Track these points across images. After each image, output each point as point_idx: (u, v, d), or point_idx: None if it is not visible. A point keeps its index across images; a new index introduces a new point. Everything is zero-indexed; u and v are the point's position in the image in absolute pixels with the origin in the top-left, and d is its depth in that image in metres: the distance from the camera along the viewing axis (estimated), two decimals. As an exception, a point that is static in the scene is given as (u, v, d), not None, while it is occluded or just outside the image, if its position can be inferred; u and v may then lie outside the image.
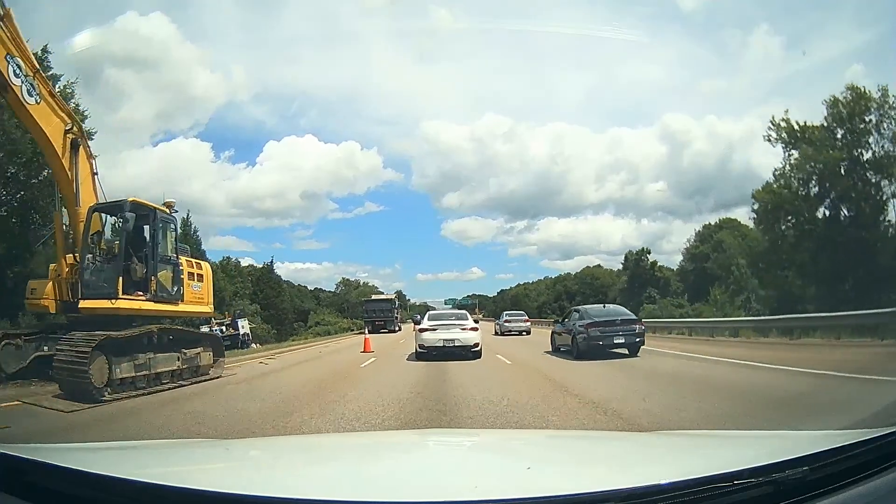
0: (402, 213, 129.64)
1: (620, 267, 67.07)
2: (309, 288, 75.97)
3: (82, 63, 55.03)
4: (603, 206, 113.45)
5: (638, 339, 13.73)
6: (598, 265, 76.29)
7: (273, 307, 50.79)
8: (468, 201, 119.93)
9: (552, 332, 17.29)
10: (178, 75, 79.80)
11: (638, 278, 52.72)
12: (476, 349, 14.33)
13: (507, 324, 29.13)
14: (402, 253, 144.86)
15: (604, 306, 16.38)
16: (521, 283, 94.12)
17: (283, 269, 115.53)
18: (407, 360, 14.76)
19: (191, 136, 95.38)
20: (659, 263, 55.29)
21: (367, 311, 47.21)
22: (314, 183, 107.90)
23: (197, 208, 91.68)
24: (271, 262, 59.04)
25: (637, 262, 54.57)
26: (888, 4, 38.94)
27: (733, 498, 1.26)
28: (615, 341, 13.52)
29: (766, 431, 3.95)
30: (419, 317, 45.13)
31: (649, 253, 55.91)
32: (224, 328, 28.46)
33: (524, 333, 27.75)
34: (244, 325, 28.80)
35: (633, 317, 14.81)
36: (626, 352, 13.64)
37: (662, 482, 1.26)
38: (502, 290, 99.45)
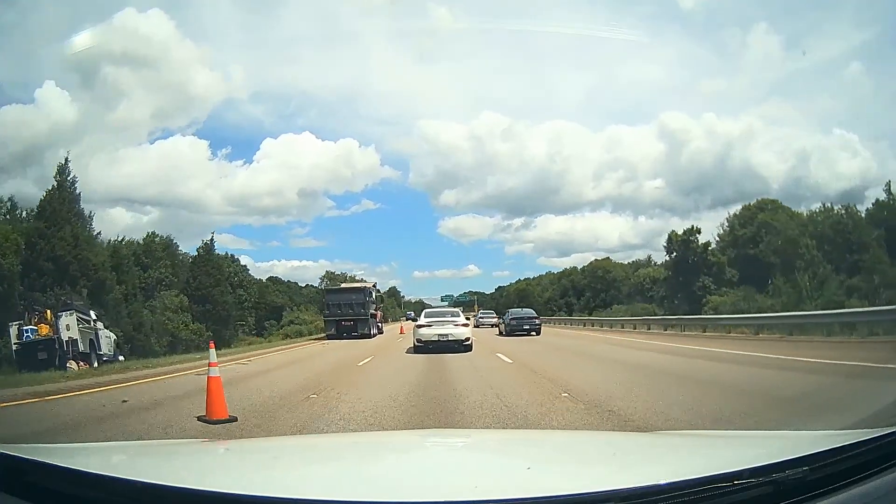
0: (399, 210, 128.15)
1: (627, 262, 64.05)
2: (300, 285, 71.38)
3: (81, 61, 55.14)
4: (600, 204, 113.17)
5: (537, 326, 26.50)
6: (608, 258, 69.30)
7: (210, 301, 38.35)
8: (465, 199, 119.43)
9: (498, 323, 32.04)
10: (176, 73, 79.26)
11: (685, 264, 40.82)
12: (467, 342, 16.12)
13: (481, 319, 42.16)
14: (398, 251, 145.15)
15: (521, 309, 31.38)
16: (522, 279, 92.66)
17: (281, 268, 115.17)
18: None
19: (188, 133, 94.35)
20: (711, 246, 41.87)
21: (330, 306, 31.77)
22: (311, 181, 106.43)
23: (194, 206, 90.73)
24: (211, 240, 43.57)
25: (685, 244, 41.23)
26: (888, 4, 39.07)
27: (733, 498, 1.25)
28: (524, 327, 26.14)
29: (767, 431, 3.96)
30: (413, 314, 46.34)
31: (699, 233, 42.05)
32: (47, 330, 17.33)
33: (494, 326, 37.22)
34: (69, 326, 17.67)
35: (535, 315, 28.27)
36: (534, 333, 25.70)
37: (662, 482, 1.26)
38: (500, 287, 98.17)
